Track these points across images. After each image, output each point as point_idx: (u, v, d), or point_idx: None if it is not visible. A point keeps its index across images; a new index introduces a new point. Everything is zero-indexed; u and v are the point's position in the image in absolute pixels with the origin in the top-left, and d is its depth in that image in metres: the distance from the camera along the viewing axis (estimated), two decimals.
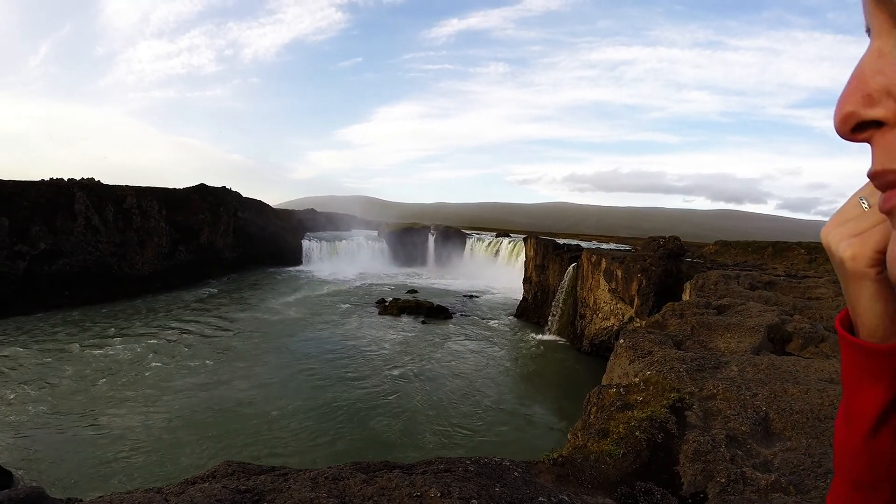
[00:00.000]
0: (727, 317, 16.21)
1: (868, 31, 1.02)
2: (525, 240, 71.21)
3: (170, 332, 48.60)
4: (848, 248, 1.16)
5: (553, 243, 60.96)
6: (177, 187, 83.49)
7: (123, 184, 73.49)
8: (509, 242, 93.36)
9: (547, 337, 52.69)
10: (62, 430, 28.31)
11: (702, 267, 39.59)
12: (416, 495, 5.51)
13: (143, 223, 72.33)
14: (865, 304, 1.15)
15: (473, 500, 5.47)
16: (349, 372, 38.83)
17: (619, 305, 42.88)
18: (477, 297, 76.27)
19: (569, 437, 9.91)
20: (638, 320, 37.45)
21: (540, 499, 5.95)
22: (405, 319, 58.31)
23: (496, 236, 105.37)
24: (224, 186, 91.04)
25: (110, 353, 41.42)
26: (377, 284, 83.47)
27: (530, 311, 61.02)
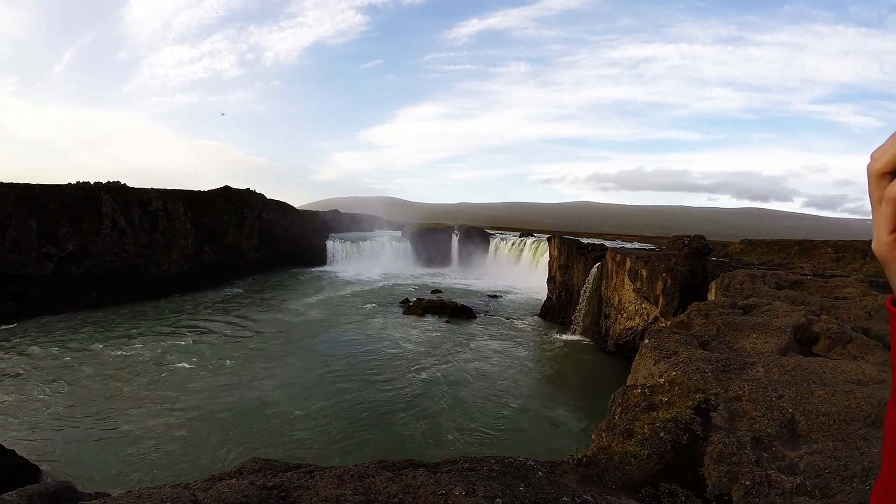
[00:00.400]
0: (753, 317, 16.06)
1: None
2: (549, 239, 70.93)
3: (195, 332, 49.16)
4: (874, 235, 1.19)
5: (577, 243, 60.70)
6: (201, 189, 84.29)
7: (149, 186, 74.44)
8: (533, 242, 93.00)
9: (571, 337, 52.48)
10: (88, 428, 28.81)
11: (727, 266, 39.24)
12: (441, 493, 5.55)
13: (168, 225, 73.19)
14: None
15: (498, 499, 5.51)
16: (373, 372, 38.97)
17: (643, 305, 42.60)
18: (501, 297, 76.15)
19: (593, 437, 9.90)
20: (663, 320, 37.18)
21: (564, 499, 5.97)
22: (429, 319, 58.38)
23: (520, 236, 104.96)
24: (248, 188, 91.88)
25: (135, 352, 42.03)
26: (401, 284, 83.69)
27: (554, 311, 60.79)
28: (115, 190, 68.90)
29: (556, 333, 53.87)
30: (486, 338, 51.14)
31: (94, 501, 6.29)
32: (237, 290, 74.03)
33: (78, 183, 67.63)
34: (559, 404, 34.93)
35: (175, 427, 29.06)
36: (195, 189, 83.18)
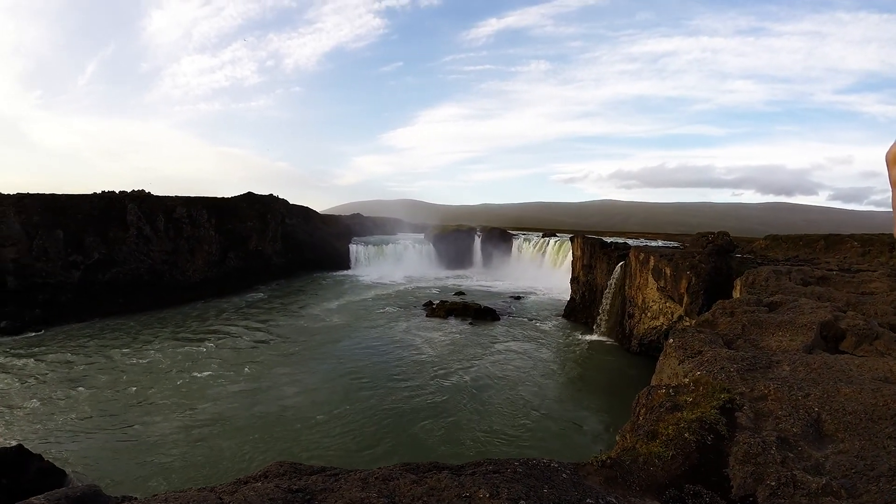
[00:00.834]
0: (779, 314, 15.91)
1: None
2: (572, 239, 70.76)
3: (219, 338, 49.67)
4: None
5: (600, 242, 60.47)
6: (225, 196, 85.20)
7: (173, 194, 75.45)
8: (556, 242, 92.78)
9: (595, 337, 52.28)
10: (113, 433, 29.32)
11: (752, 263, 38.83)
12: (466, 496, 5.57)
13: (193, 232, 74.10)
14: None
15: (522, 501, 5.52)
16: (396, 375, 39.10)
17: (668, 304, 42.33)
18: (524, 298, 76.04)
19: (617, 438, 9.86)
20: (687, 319, 36.93)
21: (588, 501, 5.96)
22: (452, 322, 58.48)
23: (542, 236, 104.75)
24: (271, 194, 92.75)
25: (159, 358, 42.66)
26: (424, 287, 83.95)
27: (578, 311, 60.59)
28: (140, 198, 69.89)
29: (580, 334, 53.69)
30: (509, 339, 51.10)
31: None
32: (261, 295, 74.68)
33: (103, 192, 68.78)
34: (583, 406, 34.82)
35: (199, 432, 29.40)
36: (219, 196, 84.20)
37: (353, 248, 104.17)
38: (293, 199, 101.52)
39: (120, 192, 69.94)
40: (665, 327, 41.23)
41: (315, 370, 40.31)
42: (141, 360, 41.88)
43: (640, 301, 46.18)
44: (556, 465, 7.08)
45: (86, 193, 66.64)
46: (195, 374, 38.91)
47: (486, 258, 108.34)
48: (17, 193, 60.85)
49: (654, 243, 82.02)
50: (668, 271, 41.89)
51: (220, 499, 5.38)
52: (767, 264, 35.17)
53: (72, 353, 43.49)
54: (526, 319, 60.54)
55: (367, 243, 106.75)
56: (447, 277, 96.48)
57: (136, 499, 6.75)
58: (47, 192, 63.67)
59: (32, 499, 5.25)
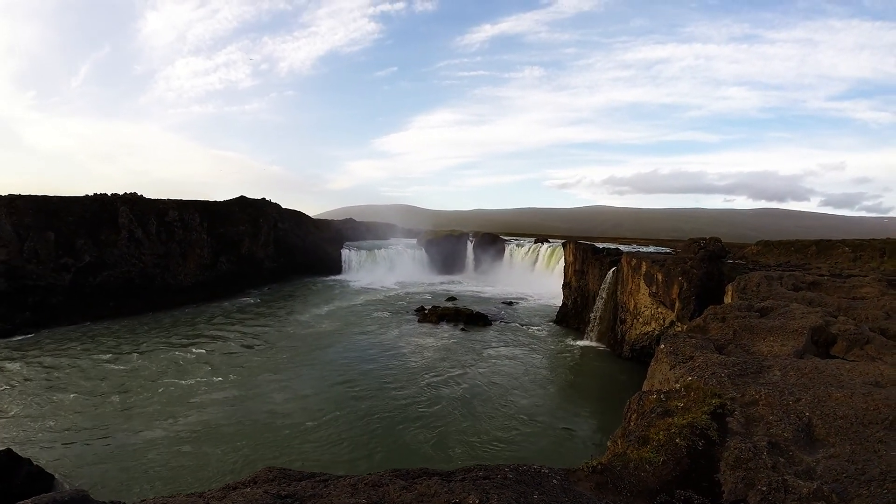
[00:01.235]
0: (770, 319, 15.94)
1: None
2: (564, 245, 70.87)
3: (209, 342, 49.51)
4: None
5: (592, 247, 60.56)
6: (217, 200, 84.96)
7: (165, 197, 75.27)
8: (548, 248, 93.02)
9: (587, 343, 52.30)
10: (102, 437, 29.16)
11: (744, 268, 38.95)
12: (455, 502, 5.54)
13: (185, 235, 73.91)
14: None
15: None
16: (388, 382, 38.97)
17: (659, 310, 42.37)
18: (516, 303, 76.08)
19: (609, 444, 9.86)
20: (679, 325, 36.98)
21: None
22: (445, 327, 58.40)
23: (535, 242, 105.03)
24: (264, 198, 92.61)
25: (149, 362, 42.45)
26: (416, 292, 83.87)
27: (570, 316, 60.62)
28: (132, 201, 69.73)
29: (572, 340, 53.70)
30: (501, 345, 51.07)
31: None
32: (253, 299, 74.51)
33: (95, 195, 68.62)
34: (574, 411, 34.79)
35: (189, 437, 29.24)
36: (211, 199, 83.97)
37: (345, 252, 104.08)
38: (286, 204, 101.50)
39: (112, 194, 69.78)
40: (657, 333, 41.27)
41: (305, 376, 40.11)
42: (130, 365, 41.62)
43: (632, 307, 46.22)
44: (547, 471, 7.05)
45: (78, 196, 66.43)
46: (184, 379, 38.69)
47: (479, 263, 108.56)
48: (9, 195, 60.57)
49: (646, 249, 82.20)
50: (659, 277, 41.95)
51: None
52: (759, 270, 35.28)
53: (61, 357, 43.23)
54: (518, 325, 60.54)
55: (359, 248, 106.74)
56: (439, 283, 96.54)
57: (123, 503, 6.70)
58: (40, 193, 63.46)
59: (21, 503, 5.20)
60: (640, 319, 44.79)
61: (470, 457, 27.33)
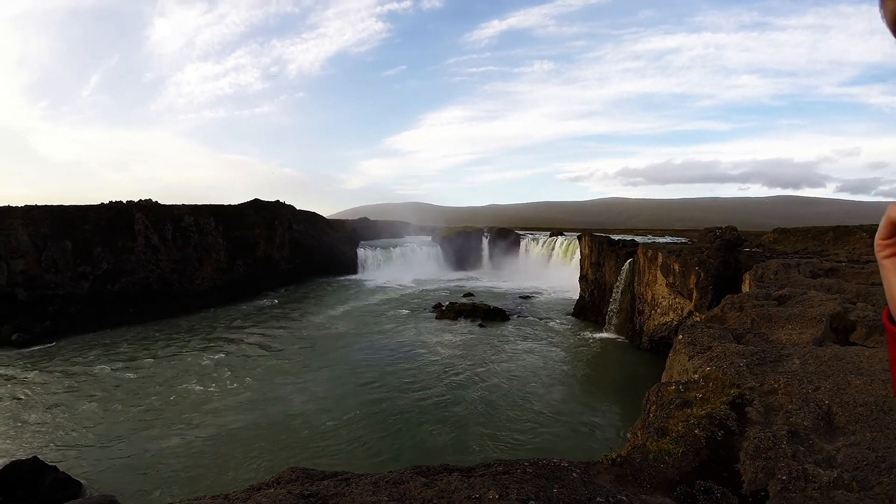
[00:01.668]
0: (788, 307, 15.85)
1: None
2: (579, 238, 70.56)
3: (228, 346, 49.78)
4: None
5: (608, 240, 60.28)
6: (232, 203, 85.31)
7: (180, 203, 75.60)
8: (563, 241, 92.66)
9: (605, 335, 52.16)
10: (126, 443, 29.40)
11: (760, 256, 38.68)
12: (475, 497, 5.57)
13: (200, 240, 74.27)
14: (889, 289, 1.20)
15: (531, 502, 5.52)
16: (406, 380, 39.02)
17: (677, 300, 42.19)
18: (533, 297, 75.94)
19: (628, 436, 9.87)
20: (697, 314, 36.80)
21: (598, 499, 5.95)
22: (462, 323, 58.39)
23: (550, 235, 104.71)
24: (278, 200, 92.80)
25: (170, 367, 42.78)
26: (433, 289, 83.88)
27: (588, 309, 60.45)
28: (147, 208, 70.09)
29: (590, 332, 53.56)
30: (519, 340, 51.02)
31: None
32: (270, 301, 74.82)
33: (110, 202, 69.01)
34: (594, 404, 34.70)
35: (210, 441, 29.42)
36: (225, 203, 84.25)
37: (360, 252, 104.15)
38: (299, 205, 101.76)
39: (127, 201, 70.15)
40: (675, 323, 41.06)
41: (324, 377, 40.22)
42: (149, 371, 41.91)
43: (650, 298, 46.04)
44: (566, 465, 7.07)
45: (93, 204, 66.86)
46: (203, 383, 38.91)
47: (495, 259, 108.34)
48: (25, 206, 61.07)
49: (661, 239, 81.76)
50: (676, 267, 41.76)
51: None
52: (776, 257, 35.01)
53: (81, 366, 43.59)
54: (535, 319, 60.43)
55: (374, 247, 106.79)
56: (456, 279, 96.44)
57: None
58: (55, 203, 63.98)
59: None
60: (658, 310, 44.61)
61: (490, 452, 27.35)
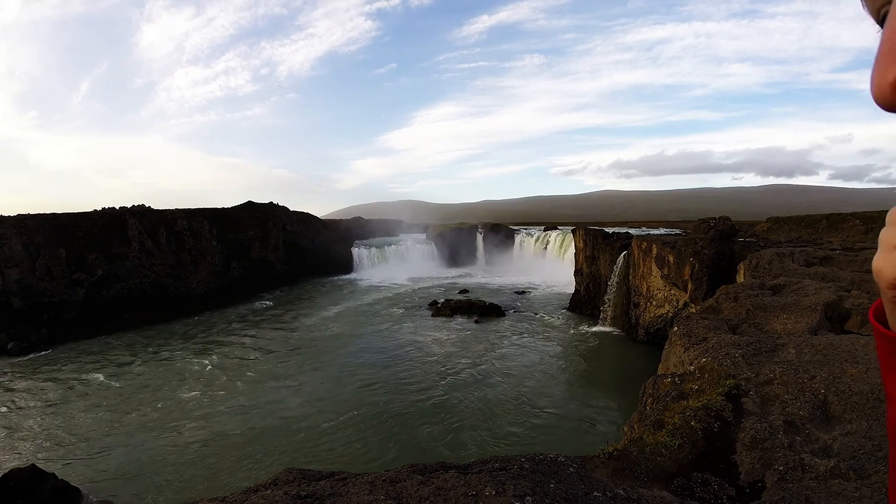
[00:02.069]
0: (783, 297, 15.87)
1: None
2: (573, 231, 70.70)
3: (224, 349, 49.78)
4: (875, 262, 1.19)
5: (602, 233, 60.34)
6: (225, 206, 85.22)
7: (173, 207, 75.46)
8: (558, 235, 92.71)
9: (601, 328, 52.25)
10: (123, 448, 29.47)
11: (755, 246, 38.77)
12: (472, 494, 5.56)
13: (195, 244, 74.21)
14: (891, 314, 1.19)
15: (528, 498, 5.50)
16: (403, 379, 39.03)
17: (672, 292, 42.27)
18: (529, 292, 76.03)
19: (625, 429, 9.86)
20: (693, 306, 36.87)
21: (595, 493, 5.94)
22: (459, 320, 58.47)
23: (544, 230, 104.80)
24: (271, 202, 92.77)
25: (166, 372, 42.80)
26: (428, 287, 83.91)
27: (583, 303, 60.54)
28: (141, 213, 70.01)
29: (586, 326, 53.66)
30: (515, 335, 51.09)
31: None
32: (266, 303, 74.72)
33: (104, 209, 68.92)
34: (590, 398, 34.76)
35: (207, 445, 29.44)
36: (219, 206, 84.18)
37: (355, 251, 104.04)
38: (293, 206, 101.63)
39: (120, 207, 70.01)
40: (671, 315, 41.16)
41: (319, 378, 40.20)
42: (146, 377, 41.86)
43: (645, 290, 46.12)
44: (563, 460, 7.07)
45: (86, 211, 66.85)
46: (200, 388, 38.88)
47: (489, 255, 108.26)
48: (18, 214, 60.97)
49: (656, 231, 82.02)
50: (671, 259, 41.82)
51: None
52: (770, 247, 35.11)
53: (78, 372, 43.52)
54: (531, 314, 60.53)
55: (369, 246, 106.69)
56: (451, 276, 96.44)
57: None
58: (48, 211, 63.91)
59: None
60: (654, 302, 44.69)
61: (489, 447, 27.42)
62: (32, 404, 36.69)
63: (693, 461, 7.26)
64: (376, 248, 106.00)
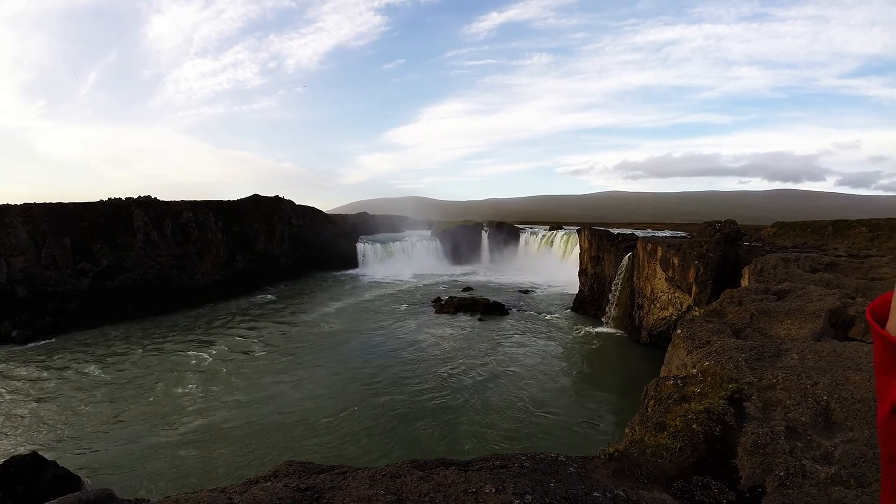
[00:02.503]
0: (787, 302, 15.85)
1: None
2: (579, 231, 70.60)
3: (227, 341, 49.92)
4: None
5: (607, 233, 60.28)
6: (231, 199, 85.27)
7: (179, 199, 75.52)
8: (563, 235, 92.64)
9: (604, 329, 52.21)
10: (126, 438, 29.59)
11: (760, 251, 38.67)
12: (472, 491, 5.56)
13: (200, 235, 74.34)
14: None
15: (528, 496, 5.50)
16: (405, 375, 39.07)
17: (676, 294, 42.20)
18: (533, 291, 76.01)
19: (626, 431, 9.85)
20: (696, 309, 36.80)
21: (595, 494, 5.94)
22: (462, 318, 58.46)
23: (549, 229, 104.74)
24: (277, 195, 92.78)
25: (169, 363, 42.95)
26: (432, 284, 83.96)
27: (587, 303, 60.51)
28: (147, 204, 70.12)
29: (589, 326, 53.61)
30: (518, 334, 51.09)
31: None
32: (269, 296, 74.85)
33: (110, 199, 69.00)
34: (593, 399, 34.75)
35: (208, 435, 29.57)
36: (225, 199, 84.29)
37: (360, 246, 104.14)
38: (299, 200, 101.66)
39: (126, 198, 70.10)
40: (674, 317, 41.10)
41: (322, 373, 40.29)
42: (148, 367, 42.02)
43: (649, 292, 46.06)
44: (564, 460, 7.07)
45: (92, 201, 67.02)
46: (202, 379, 39.02)
47: (494, 253, 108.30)
48: (24, 203, 61.15)
49: (661, 233, 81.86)
50: (676, 261, 41.74)
51: (231, 499, 5.39)
52: (775, 252, 35.03)
53: (81, 362, 43.69)
54: (535, 313, 60.50)
55: (374, 242, 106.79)
56: (455, 273, 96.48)
57: (148, 501, 6.79)
58: (55, 201, 64.03)
59: (48, 503, 5.29)
60: (658, 304, 44.63)
61: (490, 445, 27.47)
62: (35, 392, 36.85)
63: (694, 464, 7.25)
64: (381, 243, 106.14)
